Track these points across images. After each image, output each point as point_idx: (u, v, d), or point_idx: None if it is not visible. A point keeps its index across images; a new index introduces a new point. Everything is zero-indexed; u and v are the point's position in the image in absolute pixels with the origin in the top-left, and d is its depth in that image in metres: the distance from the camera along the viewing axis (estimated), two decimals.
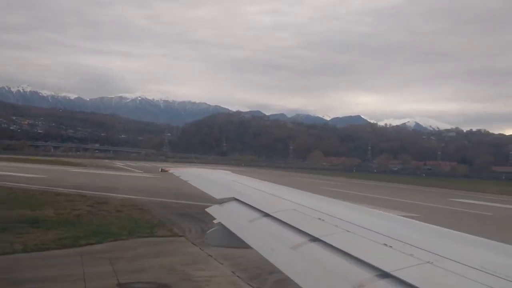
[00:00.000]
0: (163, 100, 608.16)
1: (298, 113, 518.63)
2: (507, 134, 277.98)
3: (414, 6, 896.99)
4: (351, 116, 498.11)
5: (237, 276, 11.52)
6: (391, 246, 2.68)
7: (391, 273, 2.29)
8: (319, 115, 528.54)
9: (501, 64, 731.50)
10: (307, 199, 4.73)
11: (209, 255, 13.61)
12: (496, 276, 2.04)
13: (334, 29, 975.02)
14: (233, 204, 4.93)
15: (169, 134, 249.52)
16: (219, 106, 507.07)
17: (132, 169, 71.02)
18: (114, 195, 28.35)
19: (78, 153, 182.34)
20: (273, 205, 4.35)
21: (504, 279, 2.01)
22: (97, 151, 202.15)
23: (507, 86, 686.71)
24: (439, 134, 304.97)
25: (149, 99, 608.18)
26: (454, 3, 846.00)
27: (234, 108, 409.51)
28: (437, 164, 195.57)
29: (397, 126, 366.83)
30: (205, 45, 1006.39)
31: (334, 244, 2.88)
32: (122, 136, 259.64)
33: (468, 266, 2.21)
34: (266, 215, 4.03)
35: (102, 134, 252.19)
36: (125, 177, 49.84)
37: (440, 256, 2.38)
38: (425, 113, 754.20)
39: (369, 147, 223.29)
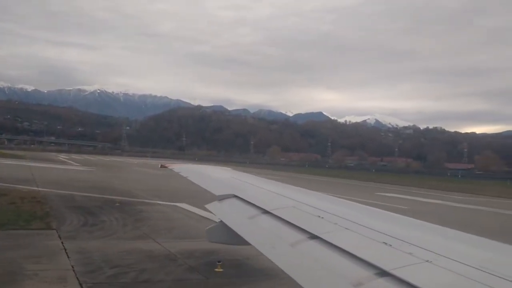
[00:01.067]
0: (123, 93, 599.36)
1: (261, 109, 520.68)
2: (462, 132, 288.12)
3: (375, 5, 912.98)
4: (313, 113, 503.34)
5: (73, 270, 10.96)
6: (390, 245, 2.68)
7: (390, 271, 2.30)
8: (281, 111, 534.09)
9: (459, 64, 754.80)
10: (307, 197, 4.73)
11: (64, 249, 13.01)
12: (494, 275, 2.07)
13: (296, 26, 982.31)
14: (233, 201, 4.92)
15: (127, 127, 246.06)
16: (181, 100, 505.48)
17: (71, 162, 69.42)
18: (23, 187, 27.32)
19: (32, 146, 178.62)
20: (273, 202, 4.35)
21: (502, 278, 2.04)
22: (52, 144, 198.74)
23: (464, 85, 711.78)
24: (397, 131, 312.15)
25: (109, 92, 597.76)
26: (414, 3, 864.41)
27: (196, 103, 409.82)
28: (393, 160, 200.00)
29: (357, 122, 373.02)
30: (167, 39, 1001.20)
31: (333, 242, 2.89)
32: (79, 129, 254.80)
33: (467, 265, 2.22)
34: (266, 212, 4.04)
35: (58, 127, 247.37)
36: (54, 170, 48.52)
37: (439, 254, 2.39)
38: (385, 110, 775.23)
39: (329, 143, 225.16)
